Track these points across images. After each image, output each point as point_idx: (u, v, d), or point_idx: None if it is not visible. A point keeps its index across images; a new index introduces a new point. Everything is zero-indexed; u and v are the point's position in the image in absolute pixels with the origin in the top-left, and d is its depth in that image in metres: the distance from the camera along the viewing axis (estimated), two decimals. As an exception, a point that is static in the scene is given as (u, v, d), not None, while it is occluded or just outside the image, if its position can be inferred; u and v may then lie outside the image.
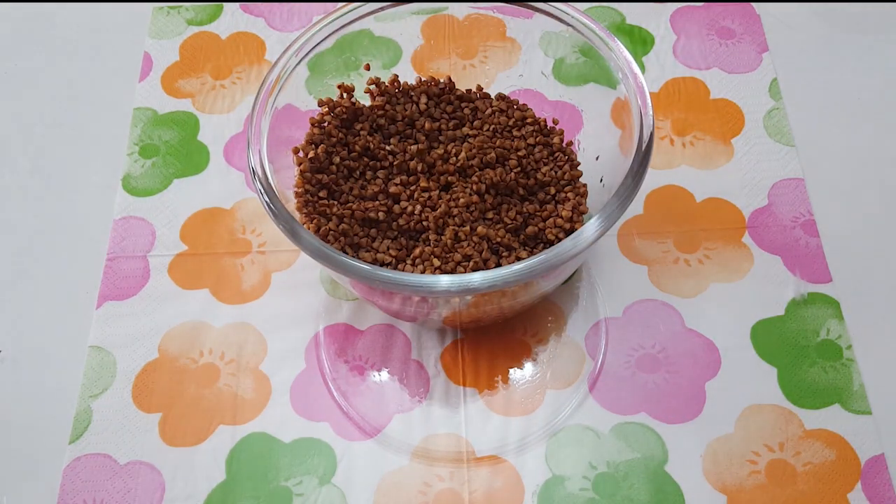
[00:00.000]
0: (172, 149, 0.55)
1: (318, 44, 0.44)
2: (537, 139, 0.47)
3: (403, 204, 0.44)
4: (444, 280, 0.36)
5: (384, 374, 0.46)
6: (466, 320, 0.45)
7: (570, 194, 0.45)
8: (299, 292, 0.49)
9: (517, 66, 0.51)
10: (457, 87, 0.49)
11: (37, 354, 0.48)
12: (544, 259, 0.36)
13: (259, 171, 0.40)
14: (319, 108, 0.46)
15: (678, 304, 0.48)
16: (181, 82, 0.58)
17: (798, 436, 0.44)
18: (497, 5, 0.47)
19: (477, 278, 0.36)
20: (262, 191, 0.39)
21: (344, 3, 0.46)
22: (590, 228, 0.37)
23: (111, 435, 0.45)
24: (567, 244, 0.37)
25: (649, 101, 0.40)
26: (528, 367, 0.46)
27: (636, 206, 0.51)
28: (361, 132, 0.46)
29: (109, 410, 0.46)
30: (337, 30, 0.45)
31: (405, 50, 0.50)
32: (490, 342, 0.47)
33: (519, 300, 0.42)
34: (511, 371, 0.46)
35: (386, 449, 0.44)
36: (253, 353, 0.47)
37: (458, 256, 0.42)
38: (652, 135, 0.39)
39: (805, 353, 0.46)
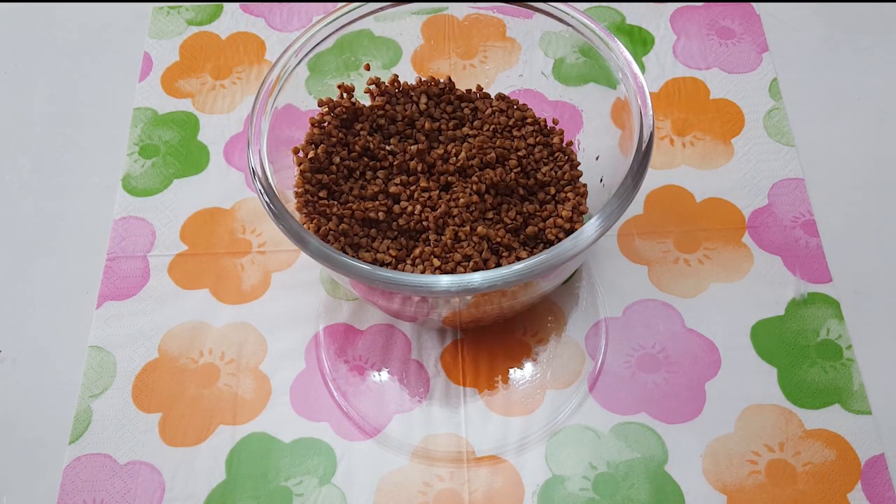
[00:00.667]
0: (172, 149, 0.55)
1: (318, 44, 0.44)
2: (537, 139, 0.47)
3: (403, 204, 0.44)
4: (444, 280, 0.36)
5: (384, 374, 0.46)
6: (466, 320, 0.45)
7: (570, 194, 0.45)
8: (299, 292, 0.49)
9: (517, 66, 0.51)
10: (457, 87, 0.49)
11: (37, 354, 0.48)
12: (544, 259, 0.36)
13: (259, 171, 0.40)
14: (319, 108, 0.46)
15: (678, 304, 0.48)
16: (181, 82, 0.58)
17: (798, 436, 0.44)
18: (497, 5, 0.47)
19: (477, 278, 0.36)
20: (262, 191, 0.39)
21: (344, 3, 0.46)
22: (590, 228, 0.37)
23: (111, 435, 0.45)
24: (567, 244, 0.37)
25: (649, 101, 0.40)
26: (528, 367, 0.46)
27: (636, 206, 0.51)
28: (361, 132, 0.46)
29: (109, 410, 0.46)
30: (337, 30, 0.45)
31: (405, 50, 0.50)
32: (490, 342, 0.47)
33: (519, 300, 0.42)
34: (511, 371, 0.46)
35: (386, 449, 0.44)
36: (253, 353, 0.47)
37: (458, 256, 0.42)
38: (652, 135, 0.39)
39: (805, 353, 0.46)
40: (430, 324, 0.47)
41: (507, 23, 0.50)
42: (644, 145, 0.39)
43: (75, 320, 0.49)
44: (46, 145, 0.56)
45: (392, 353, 0.47)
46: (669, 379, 0.46)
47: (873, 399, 0.44)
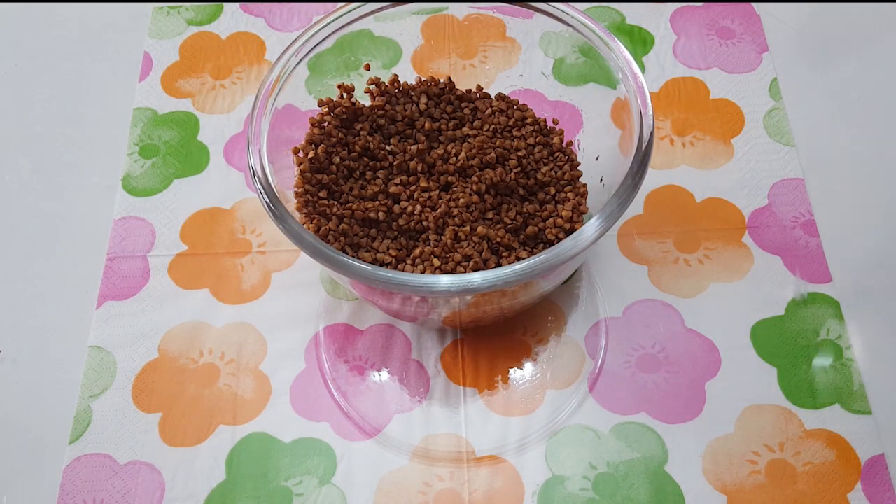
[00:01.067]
0: (172, 149, 0.55)
1: (318, 44, 0.44)
2: (537, 139, 0.47)
3: (403, 204, 0.44)
4: (444, 280, 0.36)
5: (384, 374, 0.46)
6: (466, 320, 0.45)
7: (570, 194, 0.45)
8: (299, 292, 0.49)
9: (517, 66, 0.51)
10: (457, 87, 0.49)
11: (37, 354, 0.48)
12: (544, 259, 0.36)
13: (259, 171, 0.40)
14: (319, 108, 0.46)
15: (678, 304, 0.48)
16: (181, 82, 0.58)
17: (798, 436, 0.44)
18: (497, 5, 0.47)
19: (477, 278, 0.36)
20: (262, 191, 0.39)
21: (344, 3, 0.46)
22: (590, 228, 0.37)
23: (111, 435, 0.45)
24: (567, 244, 0.37)
25: (649, 101, 0.40)
26: (528, 367, 0.46)
27: (636, 206, 0.51)
28: (361, 132, 0.46)
29: (109, 410, 0.46)
30: (337, 30, 0.45)
31: (405, 50, 0.50)
32: (490, 342, 0.47)
33: (519, 300, 0.42)
34: (511, 371, 0.46)
35: (386, 449, 0.44)
36: (253, 353, 0.47)
37: (458, 256, 0.42)
38: (652, 135, 0.39)
39: (805, 353, 0.46)
40: (430, 324, 0.47)
41: (507, 23, 0.50)
42: (644, 145, 0.39)
43: (75, 320, 0.49)
44: (46, 145, 0.56)
45: (392, 353, 0.47)
46: (669, 379, 0.46)
47: (873, 399, 0.44)
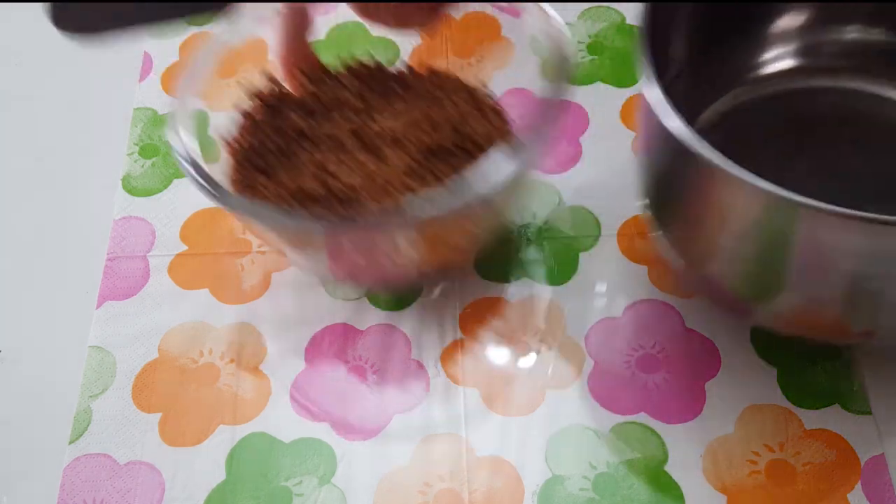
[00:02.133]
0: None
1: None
2: (470, 106, 0.47)
3: (343, 178, 0.43)
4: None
5: (384, 374, 0.46)
6: (435, 264, 0.45)
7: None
8: (299, 292, 0.49)
9: (513, 65, 0.50)
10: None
11: (37, 354, 0.48)
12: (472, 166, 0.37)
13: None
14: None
15: (678, 304, 0.48)
16: (181, 82, 0.58)
17: (798, 436, 0.44)
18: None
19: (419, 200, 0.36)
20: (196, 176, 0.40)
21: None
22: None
23: (111, 435, 0.45)
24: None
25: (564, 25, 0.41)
26: (528, 367, 0.46)
27: (636, 207, 0.51)
28: (293, 116, 0.46)
29: (109, 410, 0.46)
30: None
31: (403, 48, 0.50)
32: (490, 342, 0.47)
33: (475, 225, 0.43)
34: (511, 371, 0.46)
35: (386, 449, 0.44)
36: (253, 353, 0.47)
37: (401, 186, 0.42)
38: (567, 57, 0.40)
39: (805, 353, 0.46)
40: (399, 282, 0.47)
41: (501, 21, 0.50)
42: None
43: (75, 320, 0.49)
44: (46, 145, 0.56)
45: (392, 353, 0.47)
46: (669, 379, 0.45)
47: (873, 399, 0.44)
